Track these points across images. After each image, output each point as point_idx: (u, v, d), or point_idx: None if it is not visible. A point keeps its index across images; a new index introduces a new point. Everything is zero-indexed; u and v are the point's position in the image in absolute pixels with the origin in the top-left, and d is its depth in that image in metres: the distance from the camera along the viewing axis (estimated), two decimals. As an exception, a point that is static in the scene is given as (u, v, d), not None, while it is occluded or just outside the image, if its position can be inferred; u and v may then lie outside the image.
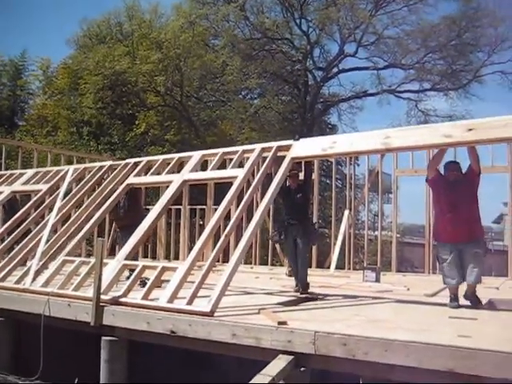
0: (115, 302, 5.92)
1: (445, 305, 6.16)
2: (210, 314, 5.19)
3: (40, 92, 24.31)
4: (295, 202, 7.31)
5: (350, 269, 11.52)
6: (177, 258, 13.52)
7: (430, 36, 23.11)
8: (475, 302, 6.05)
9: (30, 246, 7.76)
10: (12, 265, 7.55)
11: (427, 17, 23.61)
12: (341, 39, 24.99)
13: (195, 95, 24.25)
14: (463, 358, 3.93)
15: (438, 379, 4.02)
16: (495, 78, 24.06)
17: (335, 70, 25.83)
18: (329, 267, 11.50)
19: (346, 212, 11.98)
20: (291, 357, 4.53)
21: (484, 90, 25.25)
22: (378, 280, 8.96)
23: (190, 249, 8.46)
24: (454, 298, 6.06)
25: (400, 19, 24.26)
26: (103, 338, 5.68)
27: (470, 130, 5.76)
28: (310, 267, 11.69)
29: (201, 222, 13.94)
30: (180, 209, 13.66)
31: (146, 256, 13.33)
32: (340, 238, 11.67)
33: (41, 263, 7.25)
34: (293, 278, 9.73)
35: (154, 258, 13.73)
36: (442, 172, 6.34)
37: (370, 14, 24.01)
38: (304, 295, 7.01)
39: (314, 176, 12.29)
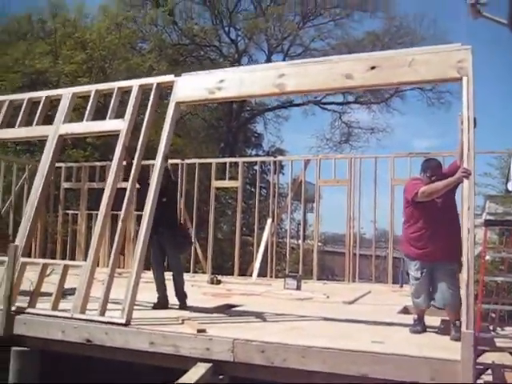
0: (23, 311, 5.67)
1: (361, 312, 6.32)
2: (126, 324, 5.08)
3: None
4: (159, 205, 5.82)
5: (272, 277, 11.58)
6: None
7: (355, 50, 23.89)
8: None
9: None
10: None
11: (352, 32, 24.62)
12: (268, 49, 25.38)
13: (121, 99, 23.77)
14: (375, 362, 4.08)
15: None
16: (415, 93, 25.37)
17: (262, 79, 26.10)
18: (251, 275, 11.54)
19: (269, 220, 12.07)
20: (209, 364, 4.51)
21: (404, 105, 26.35)
22: (298, 288, 9.07)
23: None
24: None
25: (326, 33, 25.23)
26: (13, 348, 5.40)
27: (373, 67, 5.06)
28: (232, 275, 11.77)
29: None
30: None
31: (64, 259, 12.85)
32: (262, 246, 11.74)
33: None
34: (215, 286, 9.76)
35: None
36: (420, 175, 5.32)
37: (297, 26, 24.58)
38: (183, 309, 6.35)
39: (238, 184, 12.35)
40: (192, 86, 5.98)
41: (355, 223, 11.31)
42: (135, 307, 5.35)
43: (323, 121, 35.58)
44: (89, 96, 6.61)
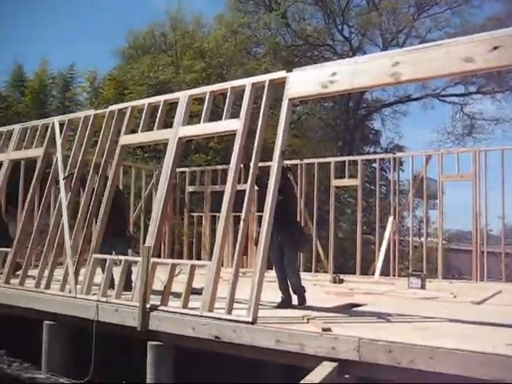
0: (156, 308, 6.01)
1: (491, 312, 6.00)
2: (253, 322, 5.21)
3: (88, 103, 24.96)
4: (276, 203, 5.75)
5: (394, 275, 11.38)
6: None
7: (476, 38, 22.71)
8: None
9: (56, 240, 7.49)
10: (50, 266, 7.46)
11: (472, 18, 23.29)
12: (383, 44, 24.85)
13: (237, 103, 24.47)
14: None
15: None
16: (545, 78, 23.45)
17: (378, 75, 25.67)
18: (373, 274, 11.40)
19: (391, 218, 11.86)
20: (335, 363, 4.52)
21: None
22: (423, 287, 8.83)
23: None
24: None
25: (443, 22, 24.13)
26: (149, 342, 5.80)
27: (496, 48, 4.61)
28: (354, 274, 11.69)
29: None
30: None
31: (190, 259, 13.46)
32: (384, 244, 11.56)
33: (75, 266, 7.13)
34: (338, 285, 9.75)
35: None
36: None
37: (412, 18, 23.86)
38: (302, 308, 6.38)
39: (358, 182, 12.26)
40: (304, 81, 5.82)
41: (481, 219, 10.80)
42: (259, 306, 5.46)
43: (443, 114, 34.28)
44: (204, 98, 6.69)
